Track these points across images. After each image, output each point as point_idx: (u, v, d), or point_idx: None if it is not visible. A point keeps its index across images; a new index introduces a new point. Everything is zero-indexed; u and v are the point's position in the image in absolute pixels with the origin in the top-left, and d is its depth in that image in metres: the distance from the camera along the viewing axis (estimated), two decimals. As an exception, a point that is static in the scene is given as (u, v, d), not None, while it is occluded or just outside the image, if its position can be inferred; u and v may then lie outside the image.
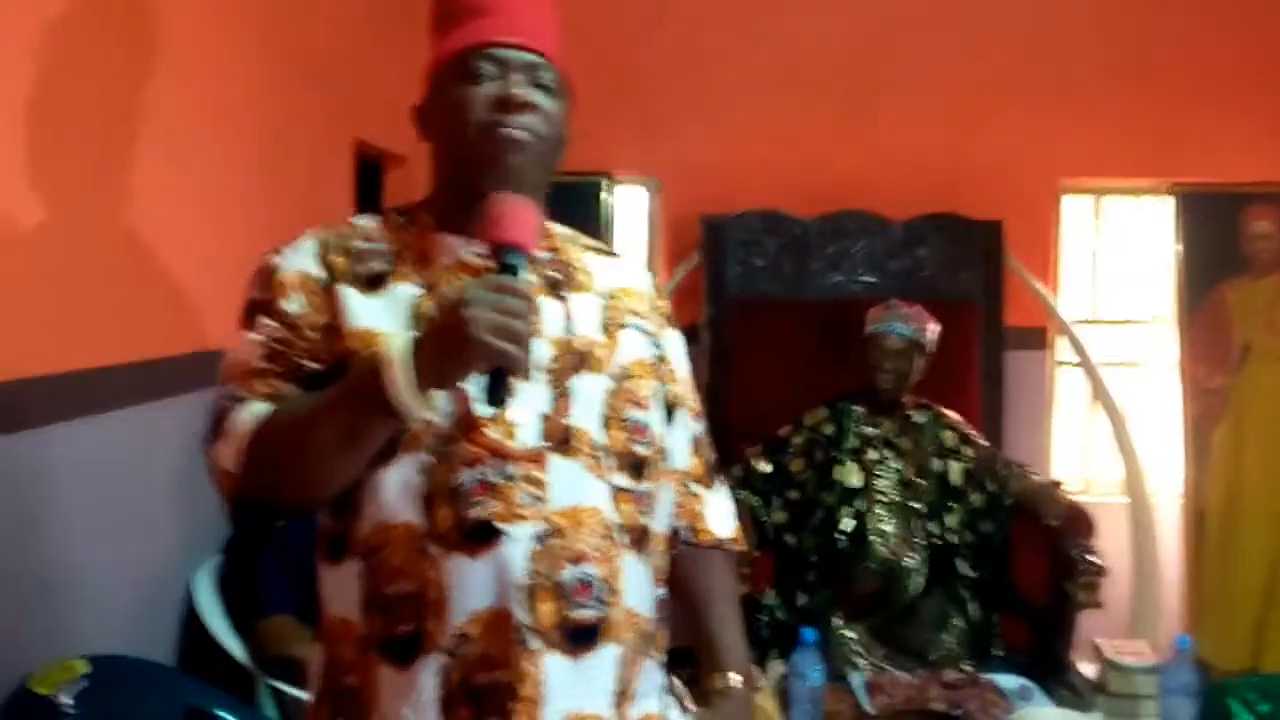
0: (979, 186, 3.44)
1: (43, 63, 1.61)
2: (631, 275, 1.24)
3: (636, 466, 1.12)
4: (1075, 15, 3.51)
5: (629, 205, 3.72)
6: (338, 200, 2.90)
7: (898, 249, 3.36)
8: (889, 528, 2.64)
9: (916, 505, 2.67)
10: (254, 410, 1.03)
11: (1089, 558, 2.50)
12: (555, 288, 1.14)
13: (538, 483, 1.04)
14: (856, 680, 2.41)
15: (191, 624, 2.02)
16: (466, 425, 1.03)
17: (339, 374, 1.03)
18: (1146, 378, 3.65)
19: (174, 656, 2.02)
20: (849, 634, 2.57)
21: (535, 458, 1.05)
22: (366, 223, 1.15)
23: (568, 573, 1.03)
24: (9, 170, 1.55)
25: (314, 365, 1.06)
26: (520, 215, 1.01)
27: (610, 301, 1.17)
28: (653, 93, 3.46)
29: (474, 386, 1.01)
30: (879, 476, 2.68)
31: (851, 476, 2.68)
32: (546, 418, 1.07)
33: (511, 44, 1.09)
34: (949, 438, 2.75)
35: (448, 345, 0.95)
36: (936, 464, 2.71)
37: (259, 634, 1.98)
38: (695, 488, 1.28)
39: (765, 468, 2.74)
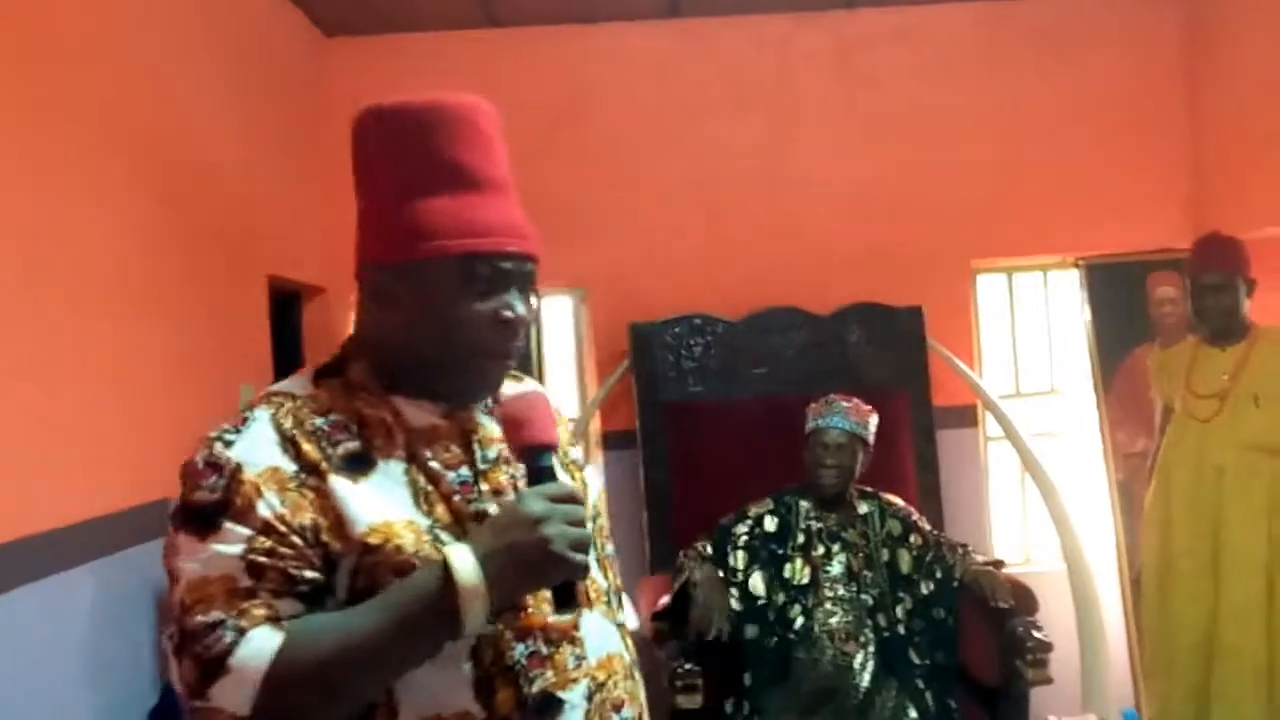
0: (896, 274, 3.53)
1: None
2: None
3: (619, 598, 1.18)
4: (973, 101, 3.66)
5: (556, 315, 3.74)
6: (253, 337, 2.86)
7: (823, 342, 3.42)
8: (838, 623, 2.61)
9: (865, 598, 2.64)
10: (260, 642, 0.92)
11: (1036, 635, 2.51)
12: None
13: (576, 641, 1.06)
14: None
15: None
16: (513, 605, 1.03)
17: (328, 578, 0.96)
18: (1073, 446, 3.71)
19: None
20: (803, 736, 2.51)
21: (573, 621, 1.06)
22: (306, 391, 1.05)
23: None
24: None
25: (311, 575, 0.96)
26: (541, 414, 1.05)
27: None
28: (575, 203, 3.50)
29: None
30: (826, 572, 2.66)
31: (800, 573, 2.65)
32: None
33: (515, 254, 1.05)
34: (895, 526, 2.75)
35: (531, 566, 0.97)
36: (884, 554, 2.70)
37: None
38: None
39: (709, 551, 2.72)
